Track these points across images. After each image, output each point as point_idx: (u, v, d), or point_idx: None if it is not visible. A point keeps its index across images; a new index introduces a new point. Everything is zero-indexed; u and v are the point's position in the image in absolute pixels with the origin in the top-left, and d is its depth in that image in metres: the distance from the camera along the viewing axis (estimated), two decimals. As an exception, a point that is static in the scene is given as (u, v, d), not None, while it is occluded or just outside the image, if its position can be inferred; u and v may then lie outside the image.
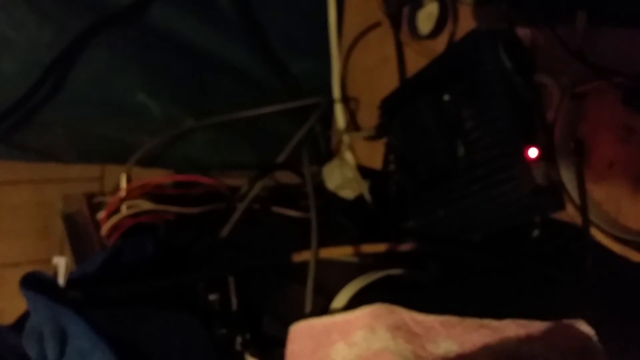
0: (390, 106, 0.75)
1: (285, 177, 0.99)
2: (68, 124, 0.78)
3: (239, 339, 0.49)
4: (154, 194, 0.72)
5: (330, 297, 0.57)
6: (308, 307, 0.49)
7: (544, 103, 0.61)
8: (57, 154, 0.78)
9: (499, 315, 0.54)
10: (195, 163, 0.85)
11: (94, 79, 0.77)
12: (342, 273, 0.64)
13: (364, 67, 0.94)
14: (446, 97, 0.65)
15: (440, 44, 0.78)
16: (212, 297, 0.51)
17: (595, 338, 0.42)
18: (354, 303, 0.50)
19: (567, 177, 0.59)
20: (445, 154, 0.65)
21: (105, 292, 0.48)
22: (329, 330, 0.44)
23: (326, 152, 0.97)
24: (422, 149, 0.68)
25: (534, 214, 0.60)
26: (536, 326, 0.42)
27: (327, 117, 0.97)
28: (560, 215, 0.62)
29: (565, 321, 0.43)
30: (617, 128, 0.57)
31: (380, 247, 0.68)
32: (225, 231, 0.65)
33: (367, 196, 0.92)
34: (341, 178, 0.95)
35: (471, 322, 0.42)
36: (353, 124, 0.97)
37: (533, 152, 0.58)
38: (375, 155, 0.88)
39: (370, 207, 0.91)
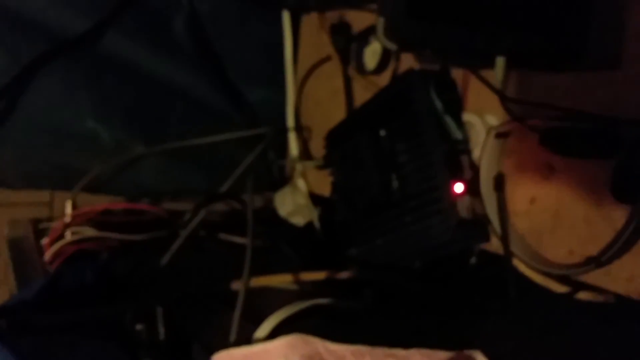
0: (333, 138, 0.78)
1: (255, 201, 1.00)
2: (17, 150, 0.79)
3: (164, 368, 0.50)
4: (99, 220, 0.73)
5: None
6: (232, 337, 0.51)
7: (470, 141, 0.64)
8: (5, 179, 0.79)
9: (424, 343, 0.56)
10: (146, 189, 0.86)
11: (45, 105, 0.78)
12: (279, 301, 0.66)
13: (316, 98, 0.97)
14: (382, 133, 0.67)
15: (384, 80, 0.81)
16: (139, 327, 0.52)
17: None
18: (279, 332, 0.52)
19: (492, 211, 0.62)
20: (380, 187, 0.68)
21: (32, 321, 0.49)
22: (248, 359, 0.46)
23: (280, 180, 0.99)
24: (360, 181, 0.71)
25: (460, 245, 0.63)
26: (439, 356, 0.45)
27: (282, 145, 0.99)
28: (488, 247, 0.65)
29: (466, 352, 0.45)
30: (538, 165, 0.60)
31: (319, 275, 0.70)
32: (165, 258, 0.66)
33: (317, 223, 0.94)
34: (293, 205, 0.98)
35: (380, 351, 0.44)
36: (306, 153, 0.99)
37: (459, 187, 0.61)
38: (326, 183, 0.90)
39: (318, 234, 0.93)
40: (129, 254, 0.70)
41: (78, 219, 0.73)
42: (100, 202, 0.81)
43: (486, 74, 0.61)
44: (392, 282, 0.72)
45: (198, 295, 0.60)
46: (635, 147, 0.47)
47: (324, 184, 0.93)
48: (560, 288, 0.60)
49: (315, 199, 0.95)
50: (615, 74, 0.53)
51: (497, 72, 0.56)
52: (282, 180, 0.97)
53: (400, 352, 0.44)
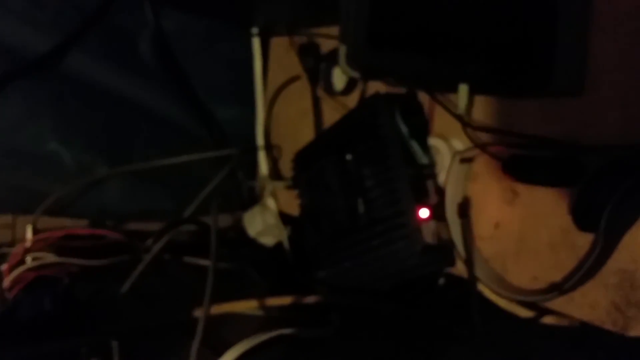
0: (301, 161, 0.77)
1: (223, 221, 0.99)
2: (-24, 173, 0.77)
3: (121, 401, 0.49)
4: (60, 245, 0.71)
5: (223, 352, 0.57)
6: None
7: (436, 165, 0.64)
8: (-35, 203, 0.77)
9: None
10: (110, 211, 0.84)
11: (5, 127, 0.76)
12: (244, 328, 0.65)
13: (286, 117, 0.96)
14: (349, 157, 0.67)
15: (352, 101, 0.81)
16: (94, 361, 0.51)
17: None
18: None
19: (457, 236, 0.61)
20: (346, 212, 0.67)
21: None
22: (204, 396, 0.45)
23: (249, 200, 0.98)
24: (326, 205, 0.70)
25: (425, 270, 0.62)
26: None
27: (252, 165, 0.98)
28: (453, 271, 0.64)
29: None
30: (502, 190, 0.60)
31: (285, 300, 0.69)
32: (127, 285, 0.65)
33: (286, 243, 0.93)
34: (262, 224, 0.97)
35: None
36: (276, 172, 0.99)
37: (424, 213, 0.61)
38: (296, 203, 0.90)
39: (288, 254, 0.92)
40: (90, 280, 0.68)
41: (38, 244, 0.71)
42: (62, 225, 0.79)
43: (452, 97, 0.61)
44: (360, 305, 0.71)
45: (157, 325, 0.59)
46: (596, 176, 0.47)
47: (294, 204, 0.92)
48: (525, 313, 0.60)
49: (285, 218, 0.94)
50: (578, 100, 0.53)
51: (460, 98, 0.56)
52: (252, 200, 0.96)
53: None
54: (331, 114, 0.84)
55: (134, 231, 0.87)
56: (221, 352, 0.56)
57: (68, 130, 0.80)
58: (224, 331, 0.62)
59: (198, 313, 0.61)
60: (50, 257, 0.69)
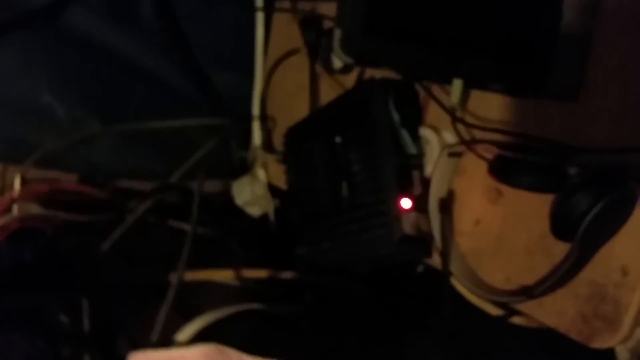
0: (292, 137, 0.77)
1: (209, 186, 0.99)
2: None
3: (87, 359, 0.50)
4: (46, 198, 0.72)
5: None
6: (155, 335, 0.50)
7: (425, 156, 0.64)
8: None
9: (352, 351, 0.57)
10: (100, 168, 0.85)
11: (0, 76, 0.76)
12: (218, 296, 0.66)
13: (283, 90, 0.95)
14: (338, 140, 0.67)
15: (349, 81, 0.80)
16: (63, 318, 0.51)
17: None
18: (206, 334, 0.52)
19: (437, 229, 0.62)
20: (330, 194, 0.68)
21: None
22: (164, 363, 0.46)
23: (240, 170, 0.98)
24: (311, 185, 0.70)
25: (401, 259, 0.63)
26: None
27: (245, 135, 0.98)
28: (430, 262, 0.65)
29: None
30: (487, 188, 0.60)
31: (261, 273, 0.70)
32: (108, 243, 0.66)
33: (272, 215, 0.94)
34: (250, 194, 0.97)
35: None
36: (269, 143, 0.98)
37: (406, 203, 0.61)
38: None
39: (272, 227, 0.92)
40: (74, 234, 0.69)
41: (25, 195, 0.71)
42: (51, 178, 0.80)
43: (448, 88, 0.60)
44: (334, 285, 0.72)
45: (132, 285, 0.60)
46: (577, 187, 0.47)
47: (284, 177, 0.92)
48: (495, 311, 0.61)
49: (274, 190, 0.95)
50: (573, 106, 0.53)
51: (454, 93, 0.55)
52: (243, 170, 0.96)
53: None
54: (327, 92, 0.84)
55: (122, 189, 0.87)
56: (191, 318, 0.57)
57: (63, 84, 0.80)
58: (197, 298, 0.63)
59: (173, 277, 0.61)
60: (36, 209, 0.70)
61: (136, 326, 0.55)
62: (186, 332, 0.51)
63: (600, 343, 0.50)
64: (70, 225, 0.70)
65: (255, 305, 0.57)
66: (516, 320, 0.61)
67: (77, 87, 0.81)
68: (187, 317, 0.58)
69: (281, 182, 0.93)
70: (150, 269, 0.65)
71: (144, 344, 0.50)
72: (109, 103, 0.84)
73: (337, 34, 0.50)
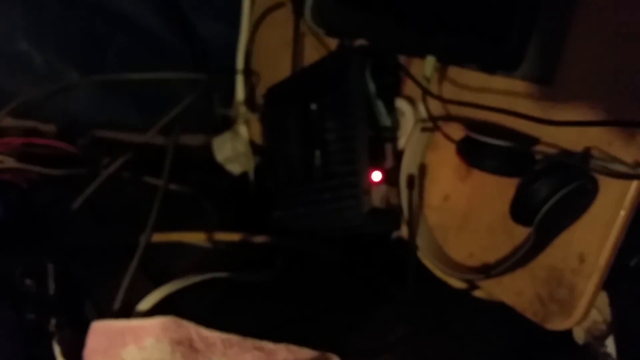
0: (271, 98, 0.77)
1: (190, 139, 0.99)
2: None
3: (53, 323, 0.51)
4: (21, 151, 0.72)
5: (166, 282, 0.59)
6: (117, 304, 0.51)
7: (399, 128, 0.64)
8: None
9: (316, 320, 0.58)
10: (77, 118, 0.84)
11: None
12: (189, 259, 0.66)
13: (269, 45, 0.94)
14: (313, 106, 0.66)
15: (334, 43, 0.79)
16: (29, 282, 0.52)
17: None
18: (169, 303, 0.53)
19: (406, 202, 0.62)
20: (303, 161, 0.67)
21: None
22: (124, 332, 0.47)
23: (223, 126, 0.98)
24: (285, 151, 0.70)
25: (369, 230, 0.64)
26: (304, 354, 0.46)
27: (230, 89, 0.97)
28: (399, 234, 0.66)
29: (329, 355, 0.47)
30: (457, 165, 0.60)
31: (234, 236, 0.70)
32: (80, 200, 0.66)
33: (252, 174, 0.94)
34: (231, 151, 0.97)
35: (249, 343, 0.46)
36: (252, 99, 0.97)
37: (377, 176, 0.61)
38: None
39: (251, 186, 0.93)
40: (47, 189, 0.69)
41: (0, 148, 0.71)
42: (27, 128, 0.79)
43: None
44: (306, 249, 0.73)
45: (102, 246, 0.60)
46: (538, 174, 0.48)
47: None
48: (457, 284, 0.62)
49: (255, 148, 0.94)
50: (546, 90, 0.52)
51: (426, 68, 0.55)
52: (226, 127, 0.96)
53: (268, 346, 0.46)
54: (311, 53, 0.82)
55: (100, 140, 0.86)
56: (160, 282, 0.58)
57: (41, 31, 0.78)
58: (167, 260, 0.64)
59: (142, 239, 0.62)
60: (10, 162, 0.70)
61: (103, 290, 0.55)
62: (148, 301, 0.52)
63: (554, 325, 0.52)
64: (44, 180, 0.70)
65: (221, 274, 0.58)
66: (478, 294, 0.63)
67: (55, 35, 0.79)
68: (156, 280, 0.59)
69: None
70: (122, 229, 0.66)
71: (108, 309, 0.50)
72: (88, 52, 0.82)
73: (309, 2, 0.49)
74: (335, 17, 0.49)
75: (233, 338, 0.46)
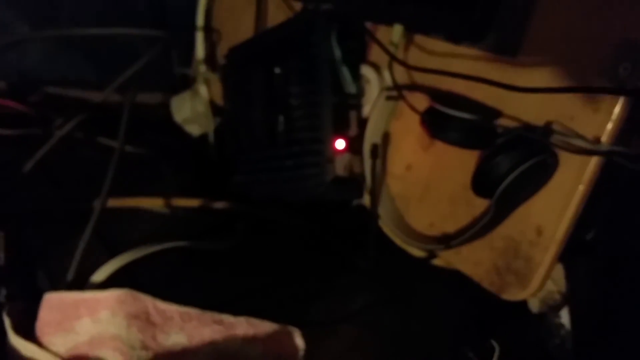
0: (233, 59, 0.74)
1: (147, 98, 0.96)
2: None
3: (3, 293, 0.49)
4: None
5: (122, 251, 0.57)
6: (71, 274, 0.50)
7: (363, 97, 0.63)
8: None
9: (275, 288, 0.58)
10: (29, 74, 0.80)
11: None
12: (144, 225, 0.65)
13: (231, 3, 0.91)
14: (277, 70, 0.65)
15: (299, 4, 0.76)
16: (-22, 251, 0.50)
17: (301, 353, 0.47)
18: (125, 272, 0.52)
19: (369, 171, 0.62)
20: (266, 126, 0.66)
21: None
22: (78, 304, 0.46)
23: (182, 86, 0.95)
24: (247, 115, 0.68)
25: (332, 198, 0.63)
26: (264, 327, 0.46)
27: (189, 48, 0.94)
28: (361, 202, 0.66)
29: (289, 328, 0.47)
30: (420, 135, 0.60)
31: (193, 202, 0.69)
32: (31, 162, 0.63)
33: (212, 136, 0.92)
34: (191, 111, 0.94)
35: (208, 316, 0.45)
36: (213, 60, 0.94)
37: (340, 144, 0.61)
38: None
39: (210, 148, 0.91)
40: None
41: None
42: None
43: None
44: (268, 216, 0.72)
45: (54, 211, 0.58)
46: (499, 148, 0.48)
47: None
48: (417, 253, 0.63)
49: (215, 109, 0.92)
50: (511, 60, 0.52)
51: (394, 36, 0.54)
52: (185, 87, 0.93)
53: (228, 319, 0.45)
54: (275, 13, 0.80)
55: (53, 98, 0.83)
56: (116, 250, 0.56)
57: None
58: (124, 226, 0.62)
59: (96, 204, 0.60)
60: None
61: (56, 258, 0.53)
62: (102, 272, 0.51)
63: (510, 295, 0.53)
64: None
65: (180, 243, 0.56)
66: (437, 262, 0.63)
67: (3, -14, 0.74)
68: (111, 247, 0.57)
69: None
70: (75, 193, 0.63)
71: (62, 280, 0.49)
72: (40, 6, 0.78)
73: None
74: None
75: (191, 311, 0.45)
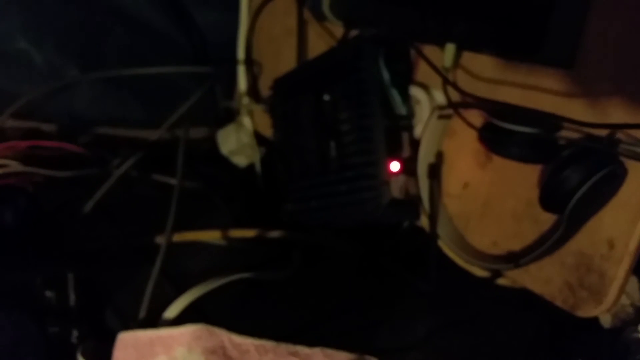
0: (279, 90, 0.75)
1: (194, 132, 0.97)
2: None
3: (75, 334, 0.49)
4: (26, 154, 0.70)
5: (186, 284, 0.57)
6: (143, 312, 0.50)
7: (415, 116, 0.62)
8: None
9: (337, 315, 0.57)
10: (80, 117, 0.82)
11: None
12: (205, 258, 0.65)
13: (270, 34, 0.92)
14: (326, 97, 0.65)
15: (339, 30, 0.77)
16: (49, 293, 0.51)
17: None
18: (194, 307, 0.52)
19: (425, 191, 0.61)
20: (317, 153, 0.66)
21: None
22: (153, 342, 0.46)
23: (226, 118, 0.96)
24: (298, 143, 0.69)
25: (389, 221, 0.63)
26: (340, 357, 0.45)
27: (231, 80, 0.95)
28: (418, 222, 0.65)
29: (367, 357, 0.46)
30: (476, 152, 0.59)
31: (249, 233, 0.69)
32: (91, 202, 0.64)
33: (258, 166, 0.93)
34: (236, 143, 0.95)
35: (284, 348, 0.45)
36: (255, 90, 0.96)
37: (395, 166, 0.60)
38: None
39: (258, 178, 0.91)
40: (55, 192, 0.67)
41: (4, 152, 0.69)
42: (29, 128, 0.77)
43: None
44: (323, 243, 0.72)
45: (118, 249, 0.59)
46: (567, 160, 0.47)
47: (270, 126, 0.90)
48: (480, 272, 0.62)
49: (260, 139, 0.93)
50: (567, 74, 0.51)
51: (446, 57, 0.53)
52: (229, 119, 0.94)
53: (304, 350, 0.45)
54: (316, 41, 0.81)
55: (104, 138, 0.84)
56: (180, 284, 0.56)
57: (39, 29, 0.76)
58: (185, 260, 0.63)
59: (160, 240, 0.60)
60: (15, 166, 0.68)
61: (124, 297, 0.54)
62: (175, 308, 0.51)
63: (584, 312, 0.51)
64: (51, 183, 0.68)
65: (245, 274, 0.56)
66: (501, 281, 0.62)
67: (53, 32, 0.77)
68: (175, 281, 0.58)
69: (268, 131, 0.91)
70: (136, 230, 0.64)
71: (133, 317, 0.49)
72: (87, 49, 0.80)
73: (326, -2, 0.47)
74: (353, 8, 0.48)
75: (267, 344, 0.45)
